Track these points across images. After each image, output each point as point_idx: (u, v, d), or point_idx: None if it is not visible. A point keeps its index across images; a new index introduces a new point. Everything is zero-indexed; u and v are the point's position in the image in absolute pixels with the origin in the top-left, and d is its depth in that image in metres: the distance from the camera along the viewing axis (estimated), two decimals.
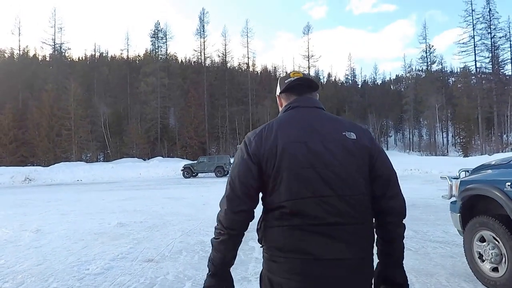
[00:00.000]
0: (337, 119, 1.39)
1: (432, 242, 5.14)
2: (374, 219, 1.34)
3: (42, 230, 6.63)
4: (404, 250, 1.35)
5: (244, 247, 4.62)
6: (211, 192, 13.85)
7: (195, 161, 28.64)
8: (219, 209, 1.31)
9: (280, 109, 1.49)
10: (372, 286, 1.32)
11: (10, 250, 5.18)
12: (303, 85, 1.44)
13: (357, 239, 1.23)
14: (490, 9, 56.23)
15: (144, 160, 44.50)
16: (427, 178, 17.87)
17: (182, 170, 27.00)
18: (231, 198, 1.28)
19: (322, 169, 1.23)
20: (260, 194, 1.33)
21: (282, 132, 1.29)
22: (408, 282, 1.34)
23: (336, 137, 1.29)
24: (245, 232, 1.32)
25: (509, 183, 3.03)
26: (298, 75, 1.44)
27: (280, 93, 1.49)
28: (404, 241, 1.36)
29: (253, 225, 1.34)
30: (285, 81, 1.45)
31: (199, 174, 27.20)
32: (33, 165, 40.71)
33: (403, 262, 1.36)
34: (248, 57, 65.77)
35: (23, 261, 4.55)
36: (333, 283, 1.21)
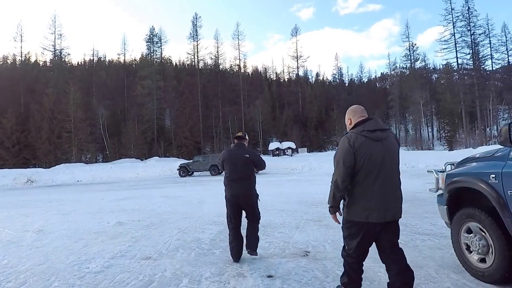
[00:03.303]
0: (245, 150, 4.44)
1: (420, 235, 5.19)
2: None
3: (44, 230, 6.68)
4: None
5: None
6: (206, 190, 13.85)
7: (191, 161, 28.64)
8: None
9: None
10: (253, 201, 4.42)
11: (12, 250, 5.26)
12: (239, 138, 4.52)
13: (246, 183, 4.33)
14: (468, 7, 56.52)
15: (142, 160, 44.62)
16: (414, 172, 17.79)
17: (178, 169, 27.16)
18: (219, 167, 4.66)
19: (235, 164, 4.36)
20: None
21: (227, 154, 4.49)
22: None
23: (241, 156, 4.37)
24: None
25: (494, 175, 3.05)
26: (240, 133, 4.59)
27: (234, 138, 4.54)
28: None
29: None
30: (236, 135, 4.57)
31: (194, 173, 27.32)
32: (35, 167, 41.05)
33: None
34: (239, 59, 66.41)
35: (26, 261, 4.62)
36: (240, 194, 4.31)
